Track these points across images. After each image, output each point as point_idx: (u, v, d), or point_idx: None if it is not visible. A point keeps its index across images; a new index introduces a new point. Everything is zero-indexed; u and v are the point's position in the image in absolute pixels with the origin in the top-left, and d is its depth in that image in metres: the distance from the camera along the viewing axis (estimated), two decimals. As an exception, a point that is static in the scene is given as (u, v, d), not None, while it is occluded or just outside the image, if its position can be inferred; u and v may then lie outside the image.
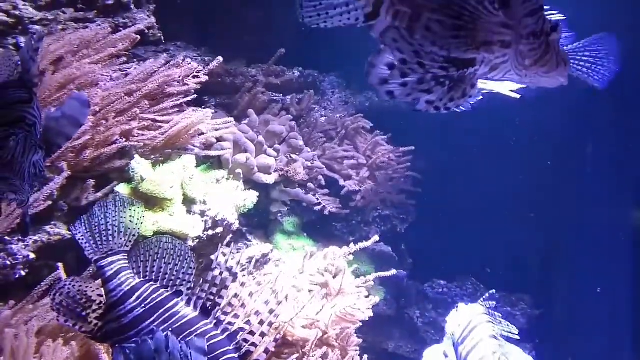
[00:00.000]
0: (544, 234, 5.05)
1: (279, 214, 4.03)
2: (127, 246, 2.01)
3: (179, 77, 2.76)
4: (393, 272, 3.17)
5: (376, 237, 3.09)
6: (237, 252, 3.27)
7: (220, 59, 3.25)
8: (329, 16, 1.69)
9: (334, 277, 2.78)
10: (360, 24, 1.67)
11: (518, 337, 2.74)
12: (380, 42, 1.52)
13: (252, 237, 3.65)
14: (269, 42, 4.60)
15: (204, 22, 4.79)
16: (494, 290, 2.99)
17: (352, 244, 3.04)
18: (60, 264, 2.35)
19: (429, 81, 1.52)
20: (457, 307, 3.03)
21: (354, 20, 1.67)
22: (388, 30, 1.51)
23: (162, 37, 3.86)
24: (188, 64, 2.86)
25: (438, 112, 1.56)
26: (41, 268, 2.57)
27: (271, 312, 1.87)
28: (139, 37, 2.93)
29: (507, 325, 2.81)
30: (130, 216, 2.04)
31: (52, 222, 2.45)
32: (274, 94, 4.34)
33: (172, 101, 2.81)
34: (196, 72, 2.88)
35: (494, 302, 2.94)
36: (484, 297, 2.98)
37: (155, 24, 3.81)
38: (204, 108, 4.16)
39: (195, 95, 3.06)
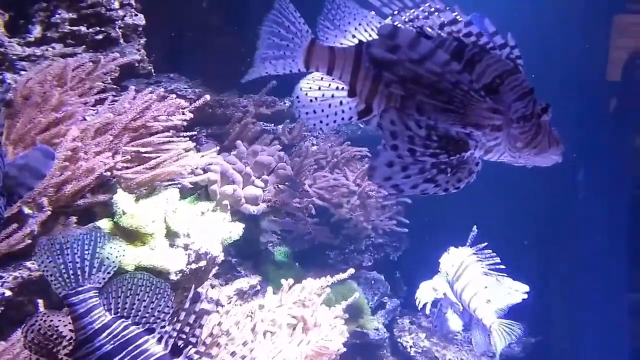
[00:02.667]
0: (539, 261, 5.01)
1: (270, 244, 4.02)
2: (100, 283, 2.00)
3: (164, 112, 2.77)
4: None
5: (352, 270, 3.10)
6: (223, 286, 3.26)
7: (207, 97, 3.29)
8: (324, 114, 1.78)
9: (310, 310, 2.77)
10: (354, 121, 1.74)
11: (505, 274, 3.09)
12: (378, 123, 1.56)
13: (241, 269, 3.64)
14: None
15: (197, 53, 4.85)
16: (475, 227, 3.26)
17: (328, 276, 3.03)
18: (40, 301, 2.34)
19: (430, 169, 1.56)
20: (448, 250, 3.34)
21: (347, 119, 1.76)
22: (387, 111, 1.55)
23: (153, 70, 3.90)
24: (172, 99, 2.87)
25: (448, 192, 1.60)
26: (24, 304, 2.56)
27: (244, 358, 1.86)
28: (115, 67, 2.94)
29: (495, 261, 3.13)
30: (107, 251, 2.04)
31: (33, 258, 2.44)
32: (265, 124, 4.37)
33: (158, 136, 2.81)
34: (182, 109, 2.90)
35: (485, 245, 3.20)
36: (471, 237, 3.24)
37: (145, 57, 3.86)
38: (195, 138, 4.24)
39: (191, 133, 3.07)
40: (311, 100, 1.79)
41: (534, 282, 4.89)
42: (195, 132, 3.10)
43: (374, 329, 4.12)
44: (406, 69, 1.46)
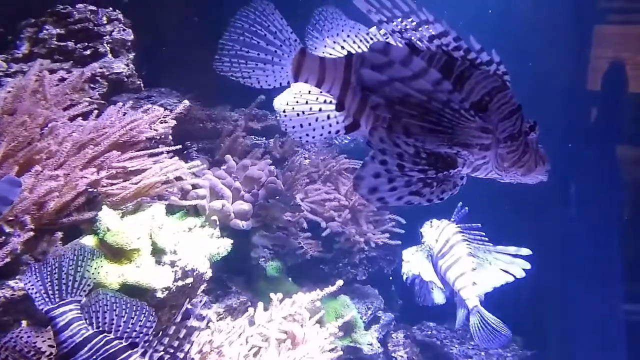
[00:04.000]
0: (535, 273, 4.97)
1: (262, 259, 3.98)
2: (81, 295, 1.98)
3: (146, 123, 2.74)
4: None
5: (340, 282, 3.04)
6: (213, 302, 3.22)
7: (187, 102, 3.27)
8: (310, 127, 1.76)
9: (299, 325, 2.73)
10: (342, 135, 1.71)
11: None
12: (368, 141, 1.55)
13: (232, 284, 3.60)
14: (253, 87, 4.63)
15: (189, 67, 4.84)
16: (460, 203, 3.20)
17: (318, 290, 2.99)
18: (24, 321, 2.30)
19: (416, 183, 1.55)
20: (431, 222, 3.27)
21: (335, 133, 1.74)
22: (376, 129, 1.54)
23: (142, 85, 3.88)
24: (155, 110, 2.85)
25: (431, 203, 1.59)
26: (9, 324, 2.52)
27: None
28: (101, 79, 2.92)
29: (481, 238, 3.11)
30: (87, 265, 2.03)
31: (17, 277, 2.40)
32: (256, 137, 4.35)
33: (143, 149, 2.79)
34: (163, 118, 2.87)
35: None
36: (456, 212, 3.19)
37: (134, 72, 3.85)
38: (186, 153, 4.21)
39: (175, 147, 3.04)
40: (298, 115, 1.76)
41: (528, 294, 4.89)
42: (180, 147, 3.06)
43: (368, 344, 4.07)
44: (397, 88, 1.45)
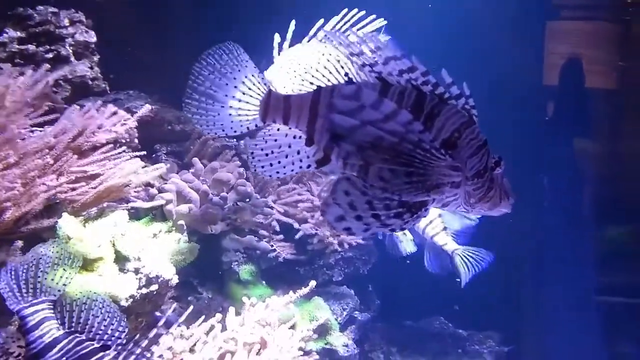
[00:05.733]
0: (511, 269, 4.99)
1: (235, 263, 3.92)
2: (54, 295, 1.95)
3: (107, 125, 2.68)
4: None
5: (313, 283, 3.00)
6: (183, 309, 3.16)
7: (149, 106, 3.21)
8: (280, 165, 1.75)
9: (272, 329, 2.68)
10: (312, 170, 1.71)
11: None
12: (332, 198, 1.54)
13: (203, 290, 3.54)
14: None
15: (157, 69, 4.77)
16: None
17: (290, 292, 2.94)
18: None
19: (385, 216, 1.56)
20: None
21: (305, 167, 1.74)
22: (339, 183, 1.54)
23: (108, 88, 3.80)
24: (112, 111, 2.78)
25: (394, 231, 1.61)
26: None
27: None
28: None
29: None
30: (62, 264, 2.00)
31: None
32: (226, 139, 4.29)
33: (103, 152, 2.72)
34: (124, 119, 2.80)
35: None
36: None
37: (99, 75, 3.77)
38: (154, 156, 4.14)
39: (140, 153, 2.98)
40: (267, 155, 1.76)
41: (502, 290, 4.91)
42: (145, 152, 2.99)
43: (343, 345, 4.03)
44: (368, 132, 1.45)
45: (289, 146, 1.74)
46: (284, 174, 1.76)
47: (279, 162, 1.75)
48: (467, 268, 3.12)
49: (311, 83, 1.70)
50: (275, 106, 1.68)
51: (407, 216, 1.55)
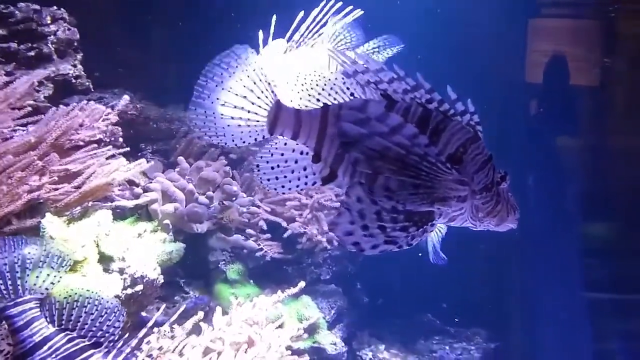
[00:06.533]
0: (497, 266, 5.02)
1: (222, 262, 3.90)
2: (43, 293, 1.91)
3: (88, 122, 2.64)
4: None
5: (302, 283, 2.99)
6: (169, 309, 3.14)
7: (127, 98, 3.17)
8: (286, 180, 1.74)
9: (260, 328, 2.67)
10: (317, 187, 1.70)
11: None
12: (343, 201, 1.56)
13: (190, 289, 3.51)
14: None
15: (142, 67, 4.73)
16: None
17: (279, 292, 2.93)
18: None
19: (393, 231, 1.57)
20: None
21: (311, 184, 1.74)
22: (353, 188, 1.55)
23: (91, 86, 3.76)
24: (92, 107, 2.75)
25: (401, 248, 1.61)
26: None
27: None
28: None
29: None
30: (53, 260, 1.97)
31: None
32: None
33: (86, 151, 2.68)
34: (105, 115, 2.77)
35: None
36: None
37: (82, 73, 3.72)
38: (140, 155, 4.10)
39: (123, 150, 2.95)
40: (273, 168, 1.76)
41: (489, 287, 4.93)
42: (129, 149, 2.96)
43: (331, 344, 4.02)
44: (375, 143, 1.48)
45: (296, 161, 1.75)
46: (289, 189, 1.76)
47: (285, 177, 1.75)
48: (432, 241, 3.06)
49: (318, 100, 1.70)
50: (286, 120, 1.67)
51: (413, 229, 1.56)
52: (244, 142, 1.71)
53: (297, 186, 1.75)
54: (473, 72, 4.40)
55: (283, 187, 1.75)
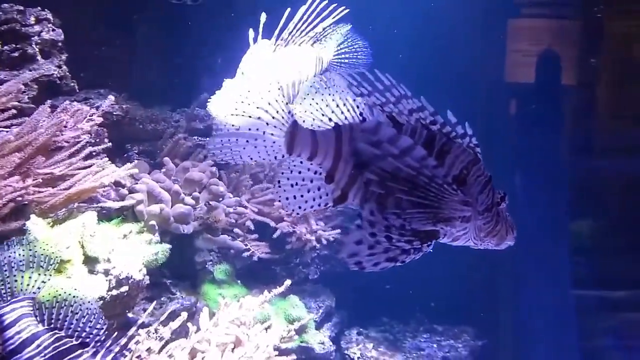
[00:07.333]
0: (485, 264, 5.05)
1: (209, 263, 3.89)
2: (35, 292, 1.93)
3: (69, 123, 2.63)
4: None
5: (288, 282, 2.99)
6: (156, 310, 3.13)
7: (112, 98, 3.16)
8: (302, 199, 1.78)
9: (248, 328, 2.67)
10: (330, 208, 1.73)
11: None
12: (358, 213, 1.64)
13: (176, 290, 3.51)
14: (195, 85, 4.55)
15: (128, 68, 4.71)
16: None
17: (265, 291, 2.93)
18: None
19: (394, 250, 1.64)
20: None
21: (324, 205, 1.78)
22: (368, 202, 1.64)
23: (76, 86, 3.74)
24: (76, 108, 2.74)
25: (395, 265, 1.67)
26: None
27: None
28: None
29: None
30: (41, 260, 1.99)
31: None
32: (199, 138, 4.25)
33: (74, 153, 2.67)
34: (89, 116, 2.76)
35: None
36: None
37: (67, 74, 3.70)
38: (126, 156, 4.09)
39: (101, 146, 2.94)
40: (292, 185, 1.79)
41: (476, 284, 4.96)
42: (110, 147, 2.95)
43: (319, 343, 4.03)
44: (387, 164, 1.55)
45: (311, 181, 1.78)
46: (304, 209, 1.78)
47: (302, 196, 1.78)
48: None
49: (330, 120, 1.73)
50: (304, 141, 1.71)
51: (417, 243, 1.63)
52: (262, 158, 1.77)
53: (312, 206, 1.78)
54: (454, 71, 4.42)
55: (300, 207, 1.79)
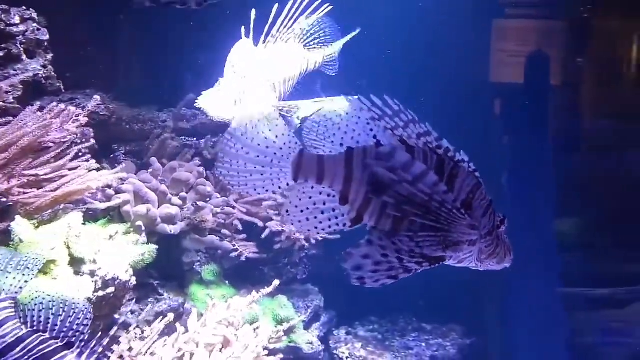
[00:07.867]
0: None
1: (197, 263, 3.88)
2: (17, 293, 1.91)
3: (58, 123, 2.61)
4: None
5: (276, 282, 2.99)
6: (145, 308, 3.12)
7: (98, 98, 3.14)
8: (317, 220, 1.78)
9: (236, 329, 2.67)
10: (346, 229, 1.78)
11: None
12: (367, 239, 1.68)
13: (164, 291, 3.49)
14: (182, 85, 4.53)
15: (115, 69, 4.69)
16: None
17: (254, 292, 2.93)
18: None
19: (398, 269, 1.67)
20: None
21: (341, 226, 1.78)
22: (375, 229, 1.69)
23: (62, 87, 3.71)
24: (62, 109, 2.72)
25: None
26: None
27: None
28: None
29: None
30: (23, 260, 1.97)
31: None
32: (186, 138, 4.24)
33: (60, 154, 2.66)
34: (75, 116, 2.74)
35: None
36: None
37: (53, 74, 3.67)
38: (113, 157, 4.06)
39: (84, 144, 2.92)
40: (302, 211, 1.79)
41: (464, 282, 4.98)
42: (94, 146, 2.93)
43: (308, 343, 4.03)
44: (403, 189, 1.59)
45: (324, 203, 1.78)
46: (322, 229, 1.79)
47: (315, 218, 1.78)
48: None
49: (341, 145, 1.74)
50: (309, 168, 1.73)
51: (426, 265, 1.67)
52: (267, 190, 1.78)
53: (329, 227, 1.78)
54: (440, 72, 4.44)
55: (316, 227, 1.79)
